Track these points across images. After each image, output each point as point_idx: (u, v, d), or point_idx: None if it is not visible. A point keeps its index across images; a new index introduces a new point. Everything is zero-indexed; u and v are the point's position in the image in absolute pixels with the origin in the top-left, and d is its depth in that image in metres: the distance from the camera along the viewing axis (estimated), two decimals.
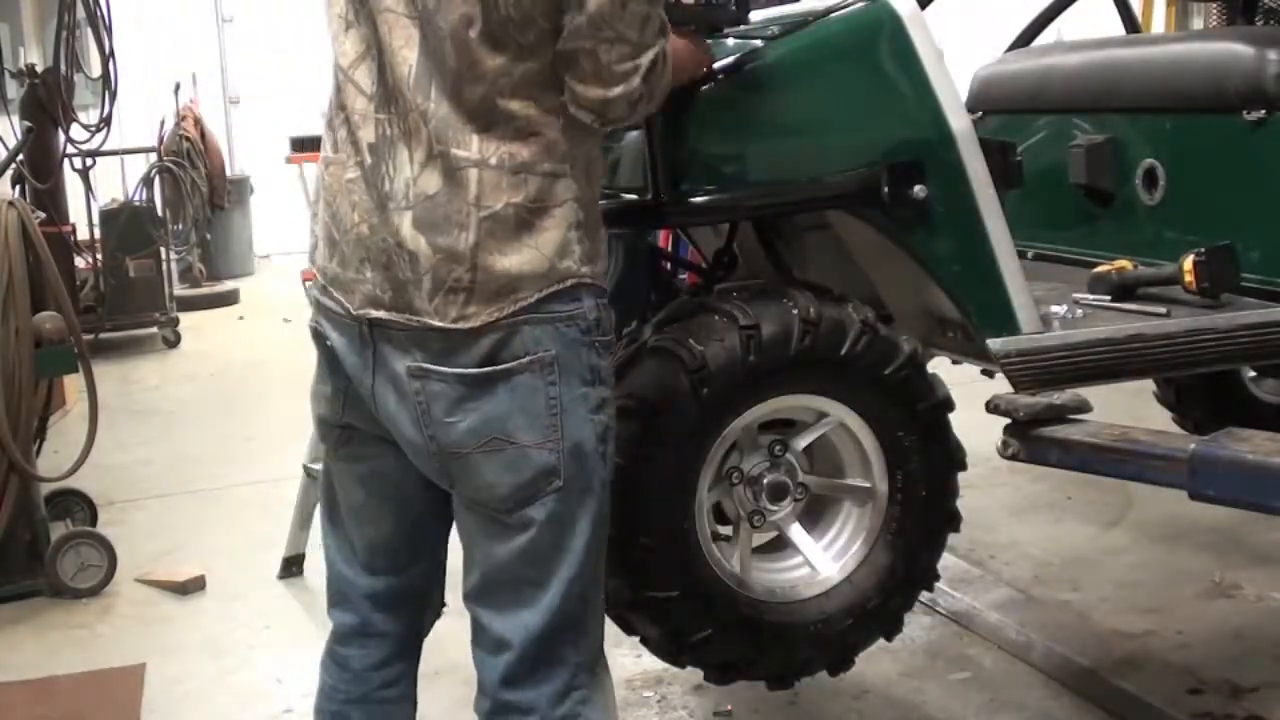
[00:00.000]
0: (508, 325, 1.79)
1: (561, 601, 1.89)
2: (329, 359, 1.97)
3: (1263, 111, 2.84)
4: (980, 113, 3.55)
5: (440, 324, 1.78)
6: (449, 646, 2.31)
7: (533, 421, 1.82)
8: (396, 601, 2.09)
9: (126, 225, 7.88)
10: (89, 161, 7.39)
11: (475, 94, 1.77)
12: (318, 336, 1.98)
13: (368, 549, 2.06)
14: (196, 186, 9.36)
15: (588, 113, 1.83)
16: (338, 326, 1.91)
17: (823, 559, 2.51)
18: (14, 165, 5.62)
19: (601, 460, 1.90)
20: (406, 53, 1.79)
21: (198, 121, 10.05)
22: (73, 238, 7.34)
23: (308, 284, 2.03)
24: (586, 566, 1.91)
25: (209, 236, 9.87)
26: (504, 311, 1.78)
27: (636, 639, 2.50)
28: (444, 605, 2.18)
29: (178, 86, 9.84)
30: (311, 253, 1.97)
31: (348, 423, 1.99)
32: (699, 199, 2.41)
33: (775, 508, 2.47)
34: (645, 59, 1.82)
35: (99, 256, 7.83)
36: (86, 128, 6.55)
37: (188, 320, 8.49)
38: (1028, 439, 2.74)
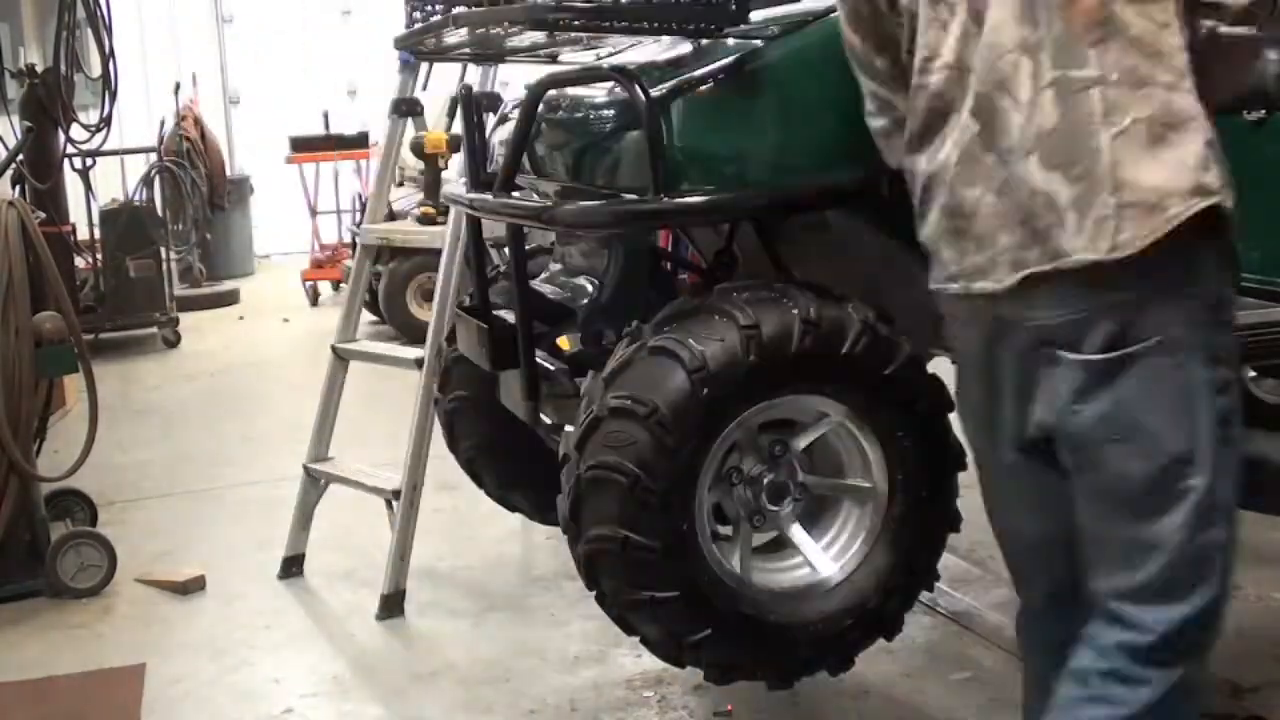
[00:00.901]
0: (1139, 293, 1.74)
1: (1202, 614, 1.82)
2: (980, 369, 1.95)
3: (1263, 111, 2.84)
4: None
5: (1094, 257, 1.72)
6: (448, 648, 2.31)
7: (1160, 407, 1.77)
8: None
9: (126, 225, 7.89)
10: (89, 161, 7.41)
11: (1090, 3, 1.73)
12: (964, 355, 1.99)
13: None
14: (196, 186, 9.37)
15: (1222, 19, 1.80)
16: (968, 328, 1.94)
17: (823, 559, 2.51)
18: (14, 165, 5.62)
19: (1225, 446, 1.82)
20: None
21: (198, 121, 10.06)
22: (73, 238, 7.35)
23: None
24: (1228, 563, 1.85)
25: (209, 236, 9.88)
26: (1159, 232, 1.72)
27: (636, 639, 2.50)
28: None
29: (178, 86, 9.85)
30: (934, 274, 1.96)
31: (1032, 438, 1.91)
32: (699, 199, 2.41)
33: (775, 508, 2.47)
34: None
35: (99, 256, 7.84)
36: (86, 128, 6.55)
37: (188, 320, 8.49)
38: None
